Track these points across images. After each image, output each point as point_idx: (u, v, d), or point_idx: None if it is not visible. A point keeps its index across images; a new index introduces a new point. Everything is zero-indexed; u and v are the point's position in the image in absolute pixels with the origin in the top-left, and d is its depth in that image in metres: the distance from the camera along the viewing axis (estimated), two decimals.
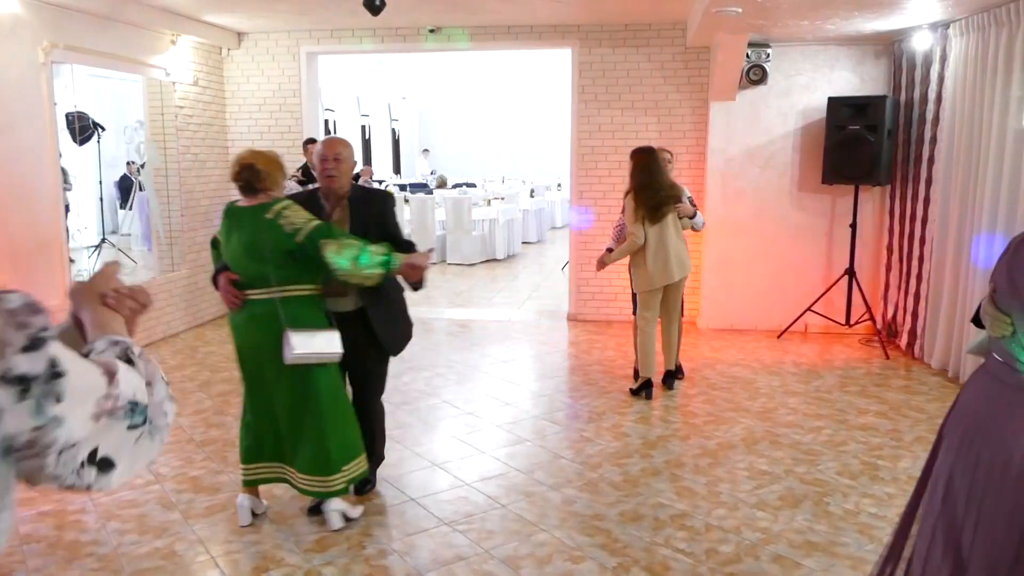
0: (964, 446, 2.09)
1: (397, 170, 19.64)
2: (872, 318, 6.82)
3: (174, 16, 6.77)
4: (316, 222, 3.35)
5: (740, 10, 5.49)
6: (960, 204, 5.72)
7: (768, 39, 6.83)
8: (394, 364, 3.84)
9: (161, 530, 3.59)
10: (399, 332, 3.84)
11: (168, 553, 3.39)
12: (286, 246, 3.32)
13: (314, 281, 3.45)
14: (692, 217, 5.39)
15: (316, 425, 3.45)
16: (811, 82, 7.04)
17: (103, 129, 8.78)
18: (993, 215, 5.27)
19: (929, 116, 6.17)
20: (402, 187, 14.73)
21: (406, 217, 11.61)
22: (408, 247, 3.70)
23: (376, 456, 3.98)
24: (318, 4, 6.53)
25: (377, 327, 3.69)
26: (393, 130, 19.61)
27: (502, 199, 12.36)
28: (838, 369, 6.21)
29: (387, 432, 4.15)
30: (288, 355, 3.28)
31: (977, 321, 2.18)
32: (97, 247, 8.67)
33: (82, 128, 8.87)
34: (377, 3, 5.35)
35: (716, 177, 7.32)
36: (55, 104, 5.85)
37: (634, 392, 5.46)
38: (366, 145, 18.07)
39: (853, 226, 6.80)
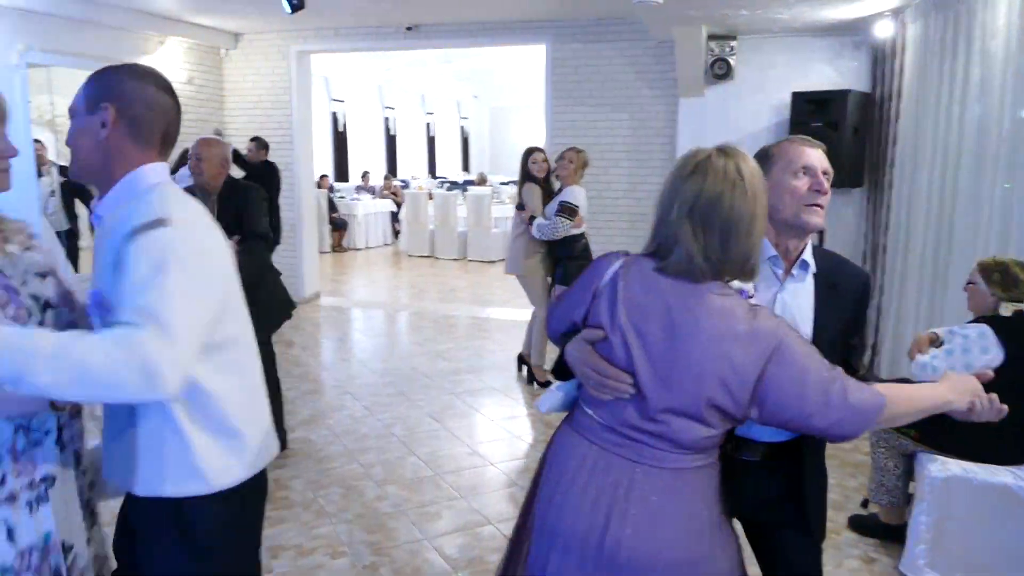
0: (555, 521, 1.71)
1: (466, 167, 19.90)
2: None
3: (156, 18, 7.18)
4: None
5: (661, 0, 5.25)
6: (908, 209, 5.22)
7: (733, 31, 6.47)
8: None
9: None
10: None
11: None
12: None
13: None
14: (529, 223, 5.34)
15: None
16: (785, 76, 6.60)
17: None
18: (927, 224, 4.79)
19: (893, 113, 5.67)
20: (452, 184, 14.94)
21: (429, 213, 11.78)
22: (261, 238, 3.88)
23: None
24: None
25: None
26: (462, 128, 19.86)
27: None
28: None
29: None
30: None
31: (559, 372, 1.82)
32: None
33: None
34: (295, 2, 5.50)
35: None
36: (28, 103, 6.34)
37: None
38: (431, 142, 18.41)
39: (820, 231, 6.33)
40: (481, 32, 7.57)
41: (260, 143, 7.11)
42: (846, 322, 1.88)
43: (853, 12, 5.61)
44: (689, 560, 1.64)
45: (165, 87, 1.60)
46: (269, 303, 4.09)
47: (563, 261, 5.28)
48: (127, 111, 1.52)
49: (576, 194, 5.20)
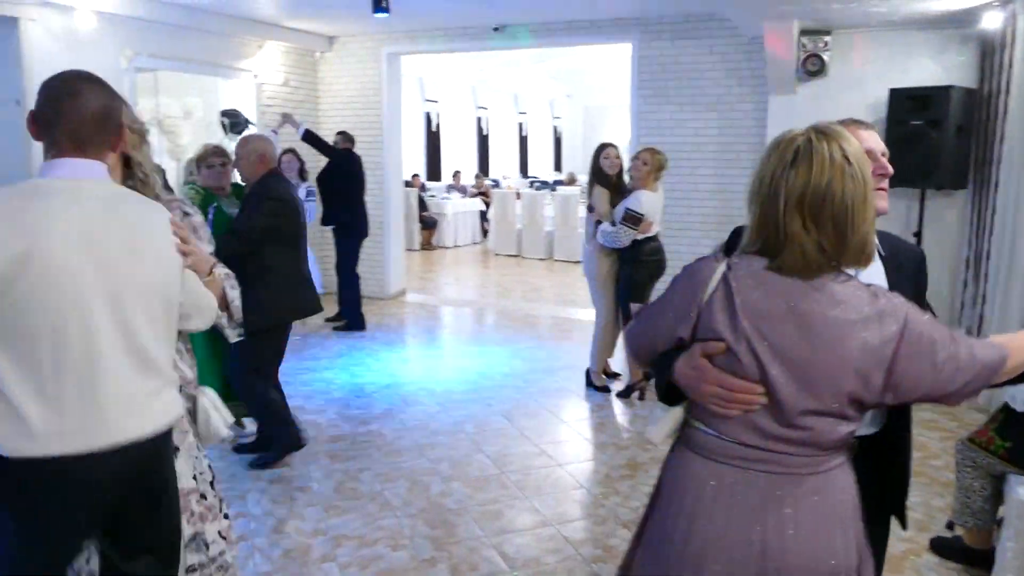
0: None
1: (558, 167, 19.88)
2: None
3: (256, 24, 7.50)
4: None
5: None
6: (1015, 212, 4.87)
7: (827, 25, 6.20)
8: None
9: None
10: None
11: None
12: None
13: None
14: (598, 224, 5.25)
15: None
16: (882, 73, 6.25)
17: (251, 124, 9.79)
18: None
19: (1000, 109, 5.30)
20: (542, 184, 14.96)
21: (517, 212, 11.83)
22: (234, 233, 3.94)
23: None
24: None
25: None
26: (555, 127, 19.84)
27: None
28: None
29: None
30: None
31: (668, 397, 1.66)
32: None
33: (234, 124, 10.03)
34: (383, 5, 5.62)
35: None
36: (136, 105, 6.73)
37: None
38: (523, 142, 18.47)
39: (918, 235, 5.99)
40: (567, 31, 7.54)
41: (345, 136, 7.31)
42: (913, 300, 1.83)
43: (957, 3, 5.28)
44: (848, 566, 1.55)
45: (77, 92, 1.75)
46: (267, 301, 3.88)
47: (629, 264, 5.16)
48: (36, 115, 1.77)
49: (642, 200, 5.00)
